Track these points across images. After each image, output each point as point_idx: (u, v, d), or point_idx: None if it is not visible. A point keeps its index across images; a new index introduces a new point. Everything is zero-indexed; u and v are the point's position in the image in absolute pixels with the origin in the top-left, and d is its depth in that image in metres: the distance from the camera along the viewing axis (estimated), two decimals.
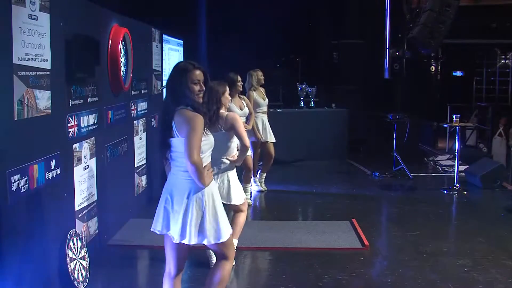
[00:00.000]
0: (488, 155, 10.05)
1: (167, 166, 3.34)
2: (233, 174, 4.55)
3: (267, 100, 7.50)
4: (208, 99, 3.28)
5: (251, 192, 7.02)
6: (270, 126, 7.46)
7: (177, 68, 3.20)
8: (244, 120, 6.55)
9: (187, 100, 3.12)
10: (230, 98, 4.60)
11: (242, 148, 4.44)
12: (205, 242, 3.16)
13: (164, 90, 3.38)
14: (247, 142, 4.40)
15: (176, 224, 3.11)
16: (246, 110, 6.48)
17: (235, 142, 4.50)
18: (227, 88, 4.54)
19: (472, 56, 16.11)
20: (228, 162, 4.46)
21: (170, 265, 3.31)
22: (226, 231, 3.22)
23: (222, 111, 4.45)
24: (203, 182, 3.07)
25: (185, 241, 3.12)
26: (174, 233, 3.12)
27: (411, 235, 5.71)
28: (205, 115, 3.14)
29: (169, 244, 3.24)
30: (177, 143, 3.08)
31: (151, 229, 3.23)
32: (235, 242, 4.71)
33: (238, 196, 4.52)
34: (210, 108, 3.90)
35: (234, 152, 4.50)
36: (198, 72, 3.13)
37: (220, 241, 3.19)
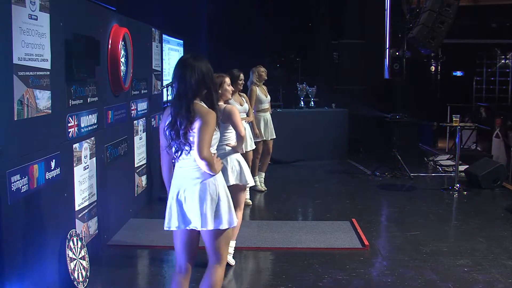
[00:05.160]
0: (488, 155, 10.05)
1: (166, 165, 3.31)
2: (240, 157, 4.63)
3: (269, 97, 7.55)
4: None
5: (250, 191, 7.03)
6: (272, 123, 7.51)
7: (200, 59, 3.16)
8: (245, 115, 6.57)
9: (213, 91, 3.16)
10: (230, 89, 4.60)
11: (238, 138, 4.47)
12: (221, 227, 3.16)
13: (177, 84, 3.21)
14: (242, 131, 4.41)
15: (195, 213, 3.12)
16: (246, 106, 6.51)
17: (232, 132, 4.54)
18: (227, 80, 4.56)
19: (472, 56, 16.10)
20: (229, 148, 4.53)
21: (180, 263, 3.30)
22: (236, 217, 3.27)
23: (220, 103, 4.47)
24: (215, 171, 3.13)
25: (206, 227, 3.12)
26: (195, 222, 3.13)
27: (411, 235, 5.71)
28: (217, 111, 3.18)
29: (179, 242, 3.25)
30: (191, 137, 3.09)
31: (165, 228, 3.21)
32: (233, 243, 4.73)
33: (250, 178, 4.64)
34: None
35: (232, 140, 4.53)
36: None
37: (231, 226, 3.22)
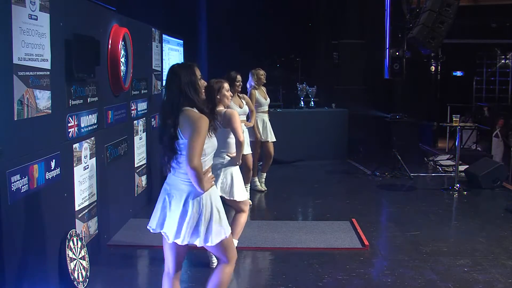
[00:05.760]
0: (488, 155, 10.05)
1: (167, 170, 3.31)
2: (236, 171, 4.58)
3: (268, 99, 7.53)
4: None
5: (250, 192, 7.02)
6: (271, 125, 7.50)
7: (182, 66, 3.18)
8: (245, 118, 6.56)
9: (194, 97, 3.12)
10: (229, 94, 4.57)
11: (237, 143, 4.45)
12: (196, 243, 3.14)
13: (164, 92, 3.26)
14: (241, 136, 4.40)
15: (172, 224, 3.12)
16: (245, 108, 6.49)
17: (234, 138, 4.51)
18: (225, 85, 4.53)
19: (472, 56, 16.10)
20: (228, 158, 4.48)
21: (168, 265, 3.33)
22: (216, 236, 3.16)
23: (221, 108, 4.46)
24: (202, 187, 3.06)
25: (178, 241, 3.13)
26: (169, 232, 3.13)
27: (411, 235, 5.71)
28: (209, 116, 3.14)
29: (167, 243, 3.25)
30: (183, 145, 3.06)
31: (147, 227, 3.25)
32: (235, 242, 4.72)
33: (240, 193, 4.55)
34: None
35: (234, 149, 4.51)
36: (197, 68, 3.20)
37: (207, 245, 3.17)
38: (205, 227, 3.13)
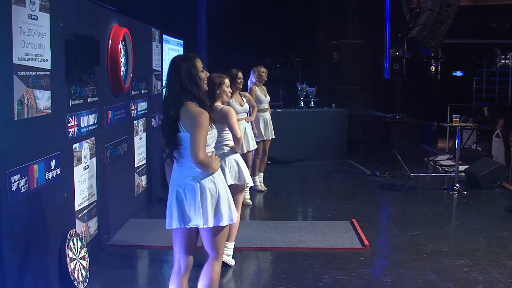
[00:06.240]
0: (488, 155, 10.06)
1: (168, 167, 3.33)
2: (239, 157, 4.60)
3: (268, 97, 7.55)
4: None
5: (250, 192, 7.02)
6: (272, 123, 7.52)
7: (183, 59, 3.18)
8: (245, 115, 6.55)
9: (195, 91, 3.13)
10: (229, 90, 4.55)
11: (234, 140, 4.44)
12: (221, 224, 3.19)
13: (166, 85, 3.27)
14: (238, 133, 4.37)
15: (196, 211, 3.13)
16: (246, 106, 6.47)
17: (230, 132, 4.49)
18: (226, 81, 4.51)
19: (472, 56, 16.11)
20: (228, 148, 4.49)
21: (180, 262, 3.31)
22: (235, 213, 3.30)
23: (218, 104, 4.44)
24: (212, 170, 3.15)
25: (206, 225, 3.15)
26: (197, 221, 3.14)
27: (411, 235, 5.71)
28: (210, 109, 3.17)
29: (178, 240, 3.26)
30: (185, 138, 3.10)
31: (167, 227, 3.22)
32: (231, 244, 4.72)
33: (250, 177, 4.63)
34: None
35: (231, 141, 4.50)
36: (199, 59, 3.21)
37: (232, 223, 3.26)
38: (226, 206, 3.20)
